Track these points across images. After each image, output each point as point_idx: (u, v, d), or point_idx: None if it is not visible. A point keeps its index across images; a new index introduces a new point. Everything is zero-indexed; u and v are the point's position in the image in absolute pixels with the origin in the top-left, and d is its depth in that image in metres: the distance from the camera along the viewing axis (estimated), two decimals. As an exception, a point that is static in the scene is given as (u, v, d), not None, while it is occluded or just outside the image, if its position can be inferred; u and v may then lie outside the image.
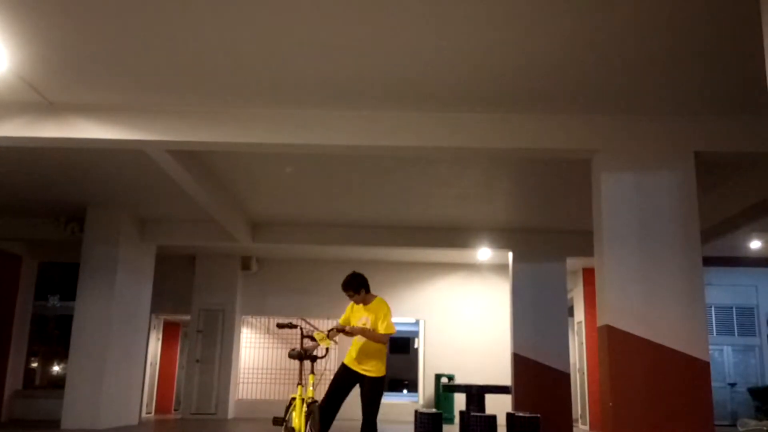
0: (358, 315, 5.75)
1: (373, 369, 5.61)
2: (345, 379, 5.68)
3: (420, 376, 14.17)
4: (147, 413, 13.85)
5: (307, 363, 5.44)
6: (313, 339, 5.45)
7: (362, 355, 5.63)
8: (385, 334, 5.58)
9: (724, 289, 13.75)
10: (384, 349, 5.71)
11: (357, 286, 5.70)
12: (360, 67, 5.20)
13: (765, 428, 10.67)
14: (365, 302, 5.75)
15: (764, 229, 10.08)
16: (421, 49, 4.88)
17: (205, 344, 13.32)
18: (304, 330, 5.47)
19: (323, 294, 13.90)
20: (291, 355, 5.29)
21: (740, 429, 10.98)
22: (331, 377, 5.77)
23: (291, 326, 5.31)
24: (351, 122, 6.06)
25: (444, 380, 13.54)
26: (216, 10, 4.42)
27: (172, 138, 6.05)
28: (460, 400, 13.69)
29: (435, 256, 13.35)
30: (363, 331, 5.56)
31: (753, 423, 11.08)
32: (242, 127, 6.03)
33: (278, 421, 5.24)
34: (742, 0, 4.16)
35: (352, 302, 5.84)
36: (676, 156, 5.89)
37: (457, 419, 13.50)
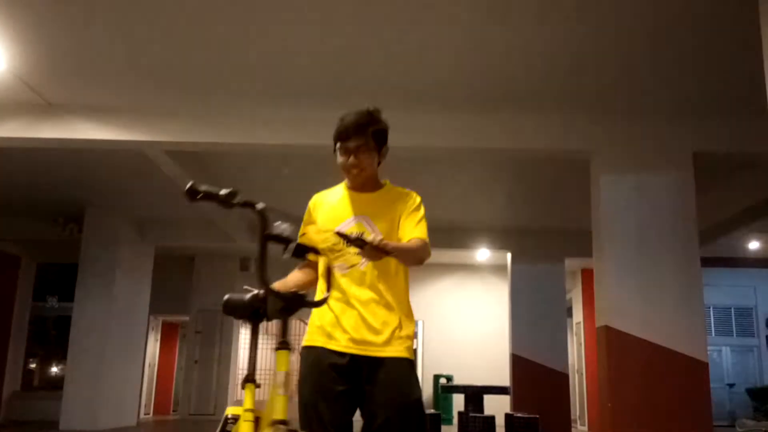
0: (339, 218, 2.41)
1: (397, 340, 2.30)
2: (332, 390, 2.24)
3: (418, 377, 14.17)
4: (145, 414, 13.84)
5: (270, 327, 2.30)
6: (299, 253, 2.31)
7: (372, 312, 2.29)
8: (424, 244, 2.34)
9: (722, 290, 13.78)
10: (407, 286, 2.43)
11: (380, 135, 2.44)
12: (360, 68, 5.20)
13: (763, 429, 10.68)
14: (364, 187, 2.47)
15: (762, 230, 10.09)
16: (421, 50, 4.88)
17: (204, 345, 13.30)
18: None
19: (322, 295, 13.88)
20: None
21: (739, 429, 10.99)
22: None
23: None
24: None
25: (443, 381, 13.55)
26: (215, 11, 4.42)
27: (170, 139, 6.05)
28: (458, 401, 13.68)
29: (433, 256, 13.25)
30: (399, 250, 2.21)
31: (751, 423, 11.10)
32: (241, 127, 6.03)
33: None
34: (740, 1, 4.17)
35: (317, 197, 2.56)
36: (674, 157, 5.89)
37: (455, 420, 13.50)
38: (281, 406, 1.86)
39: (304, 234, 2.49)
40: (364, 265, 2.31)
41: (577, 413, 13.98)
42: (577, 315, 13.66)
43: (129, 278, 10.42)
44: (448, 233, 10.71)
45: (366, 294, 2.30)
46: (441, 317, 14.05)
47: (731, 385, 13.79)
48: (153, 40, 4.83)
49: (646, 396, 5.43)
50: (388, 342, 2.28)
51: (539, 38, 4.69)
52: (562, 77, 5.27)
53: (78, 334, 9.72)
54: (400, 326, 2.32)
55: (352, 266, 2.33)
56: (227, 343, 13.34)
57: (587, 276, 13.09)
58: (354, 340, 2.26)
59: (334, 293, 2.33)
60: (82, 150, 7.40)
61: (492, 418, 7.50)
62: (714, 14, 4.34)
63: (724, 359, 14.22)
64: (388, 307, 2.32)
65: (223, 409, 12.71)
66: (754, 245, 11.37)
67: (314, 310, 2.36)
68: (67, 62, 5.20)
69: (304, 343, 2.37)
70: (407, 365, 2.32)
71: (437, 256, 13.18)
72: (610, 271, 5.68)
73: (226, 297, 2.23)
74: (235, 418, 2.20)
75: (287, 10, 4.39)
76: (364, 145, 2.42)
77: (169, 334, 15.45)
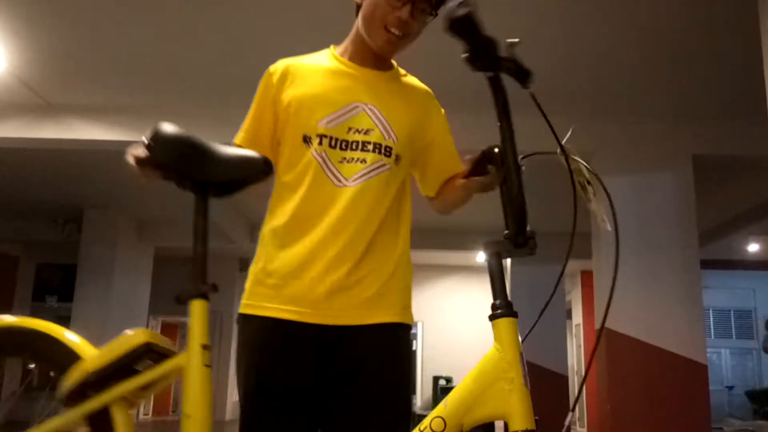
0: (330, 101, 1.57)
1: (398, 302, 1.55)
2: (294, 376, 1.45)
3: (418, 379, 14.14)
4: (144, 415, 13.84)
5: None
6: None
7: (359, 253, 1.49)
8: None
9: (721, 292, 13.78)
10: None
11: (441, 5, 1.55)
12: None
13: (749, 428, 10.67)
14: (373, 61, 1.73)
15: (762, 232, 10.09)
16: (420, 50, 4.88)
17: (203, 346, 13.29)
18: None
19: (321, 296, 13.88)
20: None
21: (726, 429, 10.97)
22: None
23: None
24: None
25: (442, 382, 13.54)
26: (213, 12, 4.42)
27: (170, 139, 6.05)
28: (457, 403, 13.67)
29: (433, 258, 13.35)
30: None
31: (738, 423, 11.08)
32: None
33: None
34: (741, 3, 4.17)
35: (289, 64, 1.68)
36: (674, 159, 5.90)
37: (454, 421, 13.48)
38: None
39: (255, 126, 1.70)
40: (368, 178, 1.51)
41: (577, 415, 13.98)
42: (577, 317, 13.65)
43: (128, 279, 10.41)
44: (448, 234, 10.71)
45: (358, 224, 1.49)
46: (440, 319, 14.05)
47: (730, 388, 13.78)
48: (153, 41, 4.83)
49: (645, 398, 5.43)
50: (379, 300, 1.51)
51: (538, 39, 4.68)
52: (561, 78, 5.27)
53: (77, 335, 9.71)
54: (406, 289, 1.59)
55: (356, 177, 1.50)
56: (226, 344, 13.32)
57: (587, 278, 13.08)
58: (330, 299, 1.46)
59: (307, 219, 1.50)
60: (81, 150, 7.39)
61: (491, 420, 7.49)
62: (714, 15, 4.34)
63: (723, 361, 14.22)
64: (385, 248, 1.53)
65: (223, 410, 12.51)
66: (753, 248, 11.36)
67: (265, 252, 1.59)
68: (66, 62, 5.20)
69: (242, 308, 1.59)
70: (408, 329, 1.59)
71: (437, 257, 13.17)
72: (610, 273, 5.67)
73: (160, 130, 1.37)
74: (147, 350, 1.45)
75: (285, 11, 4.39)
76: (429, 8, 1.63)
77: (168, 334, 15.41)
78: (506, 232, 1.30)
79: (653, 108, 5.77)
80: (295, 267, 1.48)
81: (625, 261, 5.91)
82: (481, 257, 12.82)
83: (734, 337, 14.18)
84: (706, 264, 12.17)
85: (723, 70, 5.07)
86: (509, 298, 1.28)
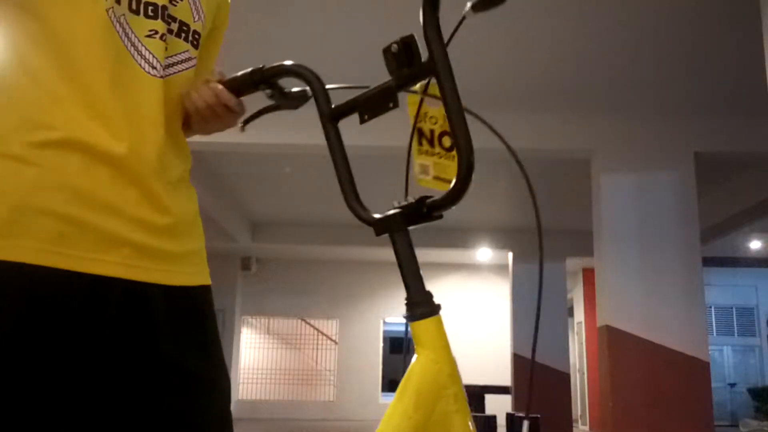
0: None
1: (196, 258, 1.20)
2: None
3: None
4: None
5: None
6: None
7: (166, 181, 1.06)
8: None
9: (723, 290, 13.77)
10: None
11: None
12: (359, 67, 5.20)
13: (766, 429, 10.68)
14: None
15: (764, 230, 10.08)
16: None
17: (205, 345, 13.30)
18: None
19: (323, 294, 13.89)
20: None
21: (742, 429, 10.98)
22: None
23: None
24: (351, 122, 6.06)
25: (444, 381, 13.54)
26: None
27: (171, 138, 6.05)
28: (459, 401, 13.68)
29: (434, 256, 13.35)
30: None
31: (755, 424, 11.09)
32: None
33: None
34: (741, 0, 4.16)
35: None
36: (675, 156, 5.89)
37: (456, 420, 13.48)
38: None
39: None
40: (176, 72, 1.09)
41: (579, 413, 13.98)
42: (579, 315, 13.65)
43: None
44: (450, 233, 10.71)
45: (171, 136, 1.10)
46: (442, 317, 14.04)
47: (732, 385, 13.78)
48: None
49: (647, 396, 5.43)
50: (196, 252, 1.15)
51: (539, 37, 4.68)
52: (562, 76, 5.27)
53: (79, 334, 9.73)
54: (200, 240, 1.18)
55: (166, 65, 1.05)
56: (229, 342, 13.34)
57: (588, 276, 13.08)
58: (138, 247, 1.01)
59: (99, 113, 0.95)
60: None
61: (493, 418, 7.49)
62: (716, 13, 4.33)
63: (725, 359, 14.21)
64: (185, 175, 1.15)
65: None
66: (755, 245, 11.36)
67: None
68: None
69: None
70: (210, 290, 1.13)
71: (438, 256, 13.17)
72: (612, 271, 5.67)
73: None
74: None
75: (285, 10, 4.38)
76: None
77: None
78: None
79: (655, 105, 5.76)
80: (66, 200, 0.91)
81: (628, 258, 5.93)
82: (482, 255, 12.81)
83: (736, 334, 14.18)
84: (708, 261, 12.18)
85: (724, 67, 5.07)
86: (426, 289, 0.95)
